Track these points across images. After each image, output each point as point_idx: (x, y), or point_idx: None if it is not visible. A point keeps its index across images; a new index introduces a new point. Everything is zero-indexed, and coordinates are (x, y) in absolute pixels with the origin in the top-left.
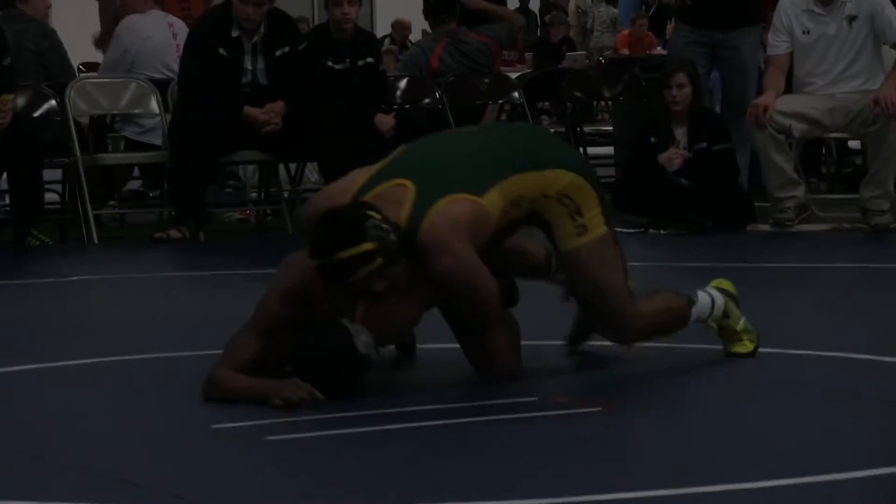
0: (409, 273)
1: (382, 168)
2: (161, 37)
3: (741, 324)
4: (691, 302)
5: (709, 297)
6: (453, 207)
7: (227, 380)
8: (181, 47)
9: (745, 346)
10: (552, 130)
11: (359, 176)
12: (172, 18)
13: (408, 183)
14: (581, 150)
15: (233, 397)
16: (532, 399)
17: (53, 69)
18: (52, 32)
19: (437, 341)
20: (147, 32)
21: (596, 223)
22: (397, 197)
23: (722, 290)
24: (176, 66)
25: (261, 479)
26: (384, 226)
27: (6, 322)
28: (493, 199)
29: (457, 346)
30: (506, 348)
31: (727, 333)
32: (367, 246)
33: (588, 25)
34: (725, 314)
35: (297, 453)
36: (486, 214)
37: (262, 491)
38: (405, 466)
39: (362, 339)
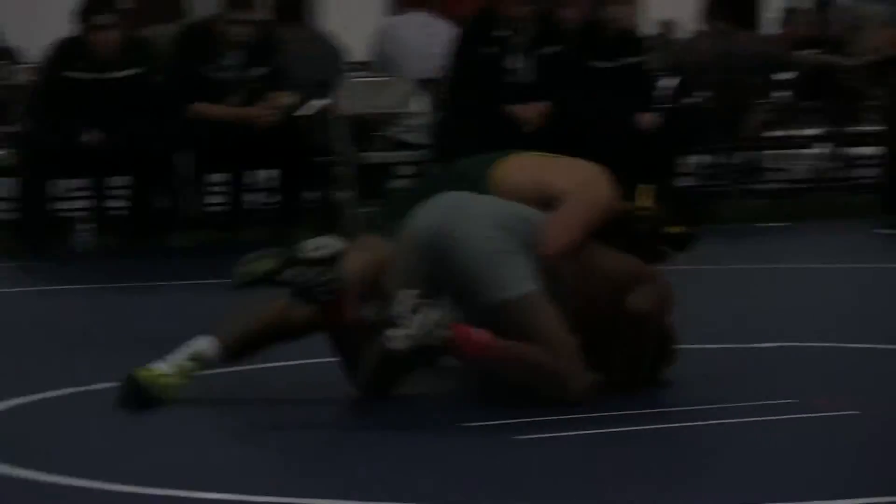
0: None
1: None
2: (419, 37)
3: None
4: None
5: None
6: None
7: None
8: (441, 45)
9: None
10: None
11: None
12: (430, 18)
13: None
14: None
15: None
16: (793, 401)
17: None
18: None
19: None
20: (403, 34)
21: None
22: None
23: None
24: (436, 65)
25: (509, 480)
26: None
27: None
28: None
29: (710, 346)
30: None
31: None
32: None
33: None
34: None
35: (546, 452)
36: None
37: (511, 491)
38: (659, 467)
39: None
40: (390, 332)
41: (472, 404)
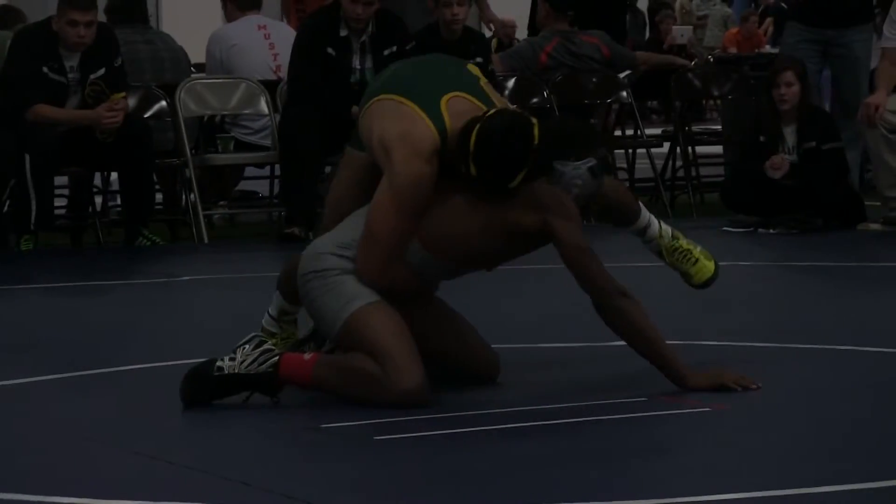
0: None
1: None
2: (249, 42)
3: None
4: None
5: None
6: None
7: None
8: (276, 46)
9: None
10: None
11: None
12: (266, 20)
13: None
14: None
15: None
16: (642, 399)
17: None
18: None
19: (537, 341)
20: (233, 41)
21: None
22: None
23: None
24: (272, 68)
25: (370, 479)
26: None
27: (118, 321)
28: None
29: (567, 345)
30: None
31: None
32: None
33: (693, 22)
34: None
35: (406, 452)
36: None
37: (371, 490)
38: (515, 466)
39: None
40: (219, 363)
41: (334, 406)
